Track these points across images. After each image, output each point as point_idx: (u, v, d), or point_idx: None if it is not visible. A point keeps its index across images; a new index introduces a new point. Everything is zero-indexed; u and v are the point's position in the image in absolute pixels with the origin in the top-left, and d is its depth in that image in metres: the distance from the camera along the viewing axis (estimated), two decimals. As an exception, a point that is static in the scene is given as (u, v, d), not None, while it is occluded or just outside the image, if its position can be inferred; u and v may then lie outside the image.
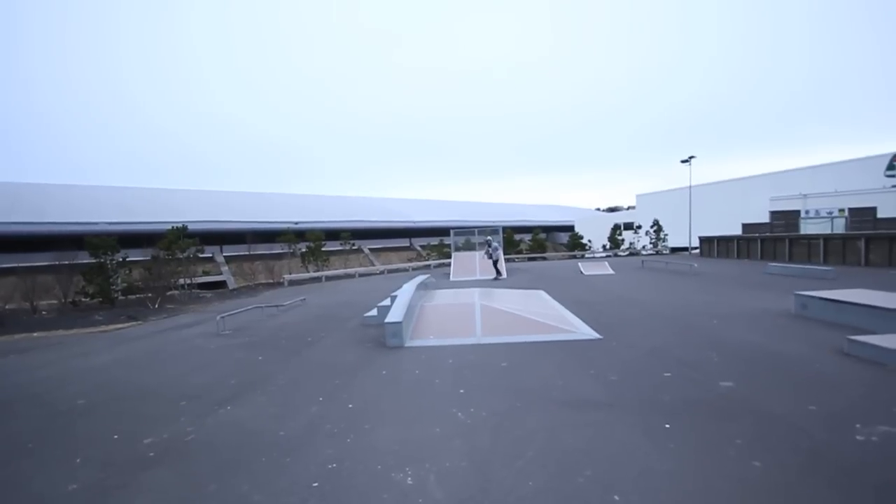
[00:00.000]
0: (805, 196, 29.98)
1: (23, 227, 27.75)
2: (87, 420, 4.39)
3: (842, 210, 24.91)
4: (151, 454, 3.49)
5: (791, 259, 19.41)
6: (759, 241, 22.39)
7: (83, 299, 17.69)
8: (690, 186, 33.56)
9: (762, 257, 21.44)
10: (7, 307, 15.49)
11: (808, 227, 24.07)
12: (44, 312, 16.26)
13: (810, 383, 4.33)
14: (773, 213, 26.40)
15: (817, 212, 26.33)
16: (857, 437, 3.17)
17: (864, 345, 5.07)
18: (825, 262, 17.28)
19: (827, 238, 19.08)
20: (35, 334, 11.38)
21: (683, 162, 32.45)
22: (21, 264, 19.48)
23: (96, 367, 6.72)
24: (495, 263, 16.44)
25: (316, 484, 2.88)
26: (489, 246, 17.32)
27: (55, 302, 17.40)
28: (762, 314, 7.90)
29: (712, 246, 26.10)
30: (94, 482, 3.09)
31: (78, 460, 3.46)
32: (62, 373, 6.50)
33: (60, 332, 11.44)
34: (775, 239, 21.70)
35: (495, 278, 15.62)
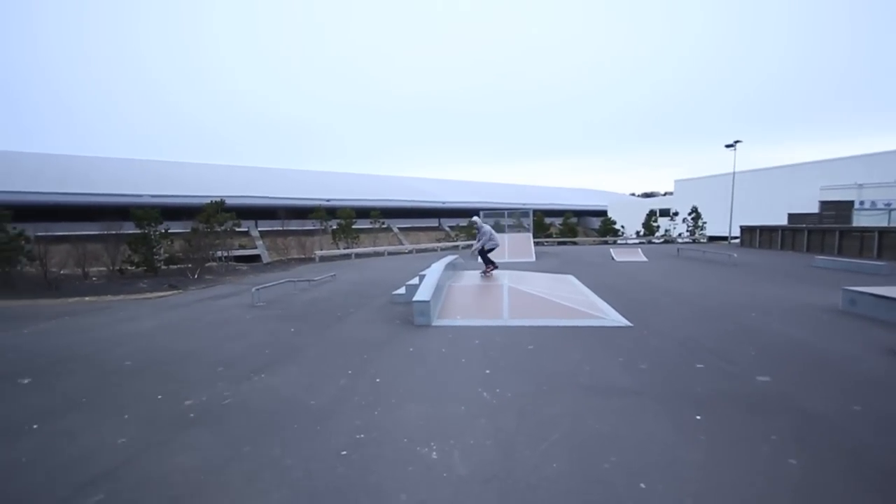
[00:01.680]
0: (860, 186, 28.01)
1: (73, 198, 29.40)
2: (134, 380, 4.67)
3: (901, 201, 23.18)
4: (192, 415, 3.70)
5: (840, 253, 18.30)
6: (805, 233, 21.20)
7: (129, 267, 18.69)
8: (734, 172, 31.92)
9: (808, 250, 20.32)
10: (62, 272, 16.55)
11: (861, 220, 22.54)
12: (94, 279, 17.30)
13: (856, 383, 4.11)
14: (824, 203, 24.87)
15: (873, 203, 24.59)
16: (906, 442, 3.00)
17: (918, 345, 4.76)
18: (879, 258, 16.21)
19: (882, 231, 17.84)
20: (87, 298, 12.14)
21: (728, 146, 30.84)
22: (73, 233, 20.70)
23: (142, 332, 7.13)
24: (482, 254, 9.89)
25: (344, 452, 2.98)
26: (478, 229, 10.24)
27: (104, 269, 18.46)
28: (806, 309, 7.52)
29: (754, 236, 24.89)
30: (140, 437, 3.30)
31: (126, 416, 3.70)
32: (111, 335, 6.92)
33: (109, 298, 12.17)
34: (824, 231, 20.47)
35: (483, 272, 9.80)
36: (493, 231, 10.05)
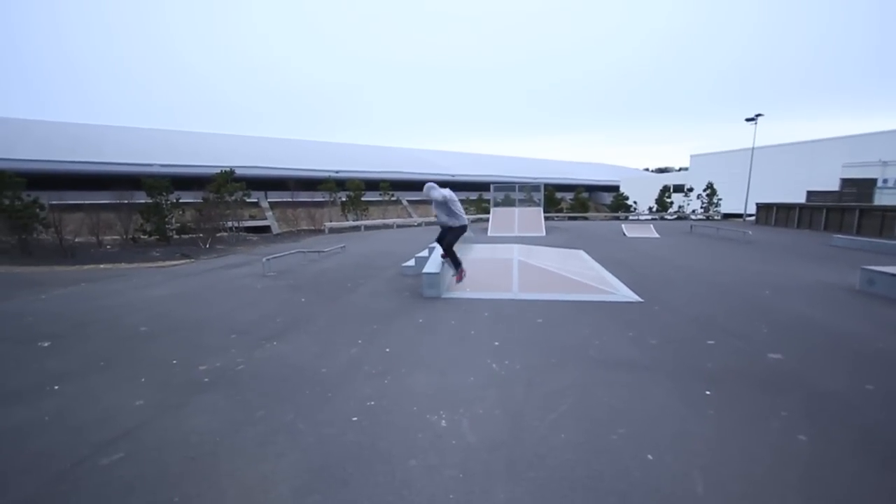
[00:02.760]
0: (885, 163, 27.08)
1: (84, 167, 29.58)
2: (149, 346, 4.77)
3: (926, 180, 22.44)
4: (206, 380, 3.78)
5: (860, 232, 17.89)
6: (824, 211, 20.70)
7: (142, 236, 18.97)
8: (753, 147, 31.02)
9: (826, 229, 19.88)
10: (76, 240, 16.83)
11: (884, 198, 21.93)
12: (108, 246, 17.59)
13: (870, 362, 4.06)
14: (844, 181, 24.20)
15: (897, 181, 23.84)
16: (919, 421, 2.97)
17: (937, 326, 4.67)
18: (899, 237, 15.81)
19: (905, 210, 17.36)
20: (101, 266, 12.37)
21: (749, 120, 29.87)
22: (86, 201, 20.93)
23: (156, 299, 7.26)
24: (446, 250, 6.84)
25: (355, 418, 3.03)
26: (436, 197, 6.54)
27: (117, 237, 18.75)
28: (822, 288, 7.40)
29: (770, 213, 24.39)
30: (156, 400, 3.39)
31: (143, 380, 3.79)
32: (126, 302, 7.06)
33: (123, 265, 12.38)
34: (843, 209, 19.97)
35: (454, 276, 7.06)
36: (453, 198, 6.44)
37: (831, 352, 4.34)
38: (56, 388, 3.65)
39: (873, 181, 23.90)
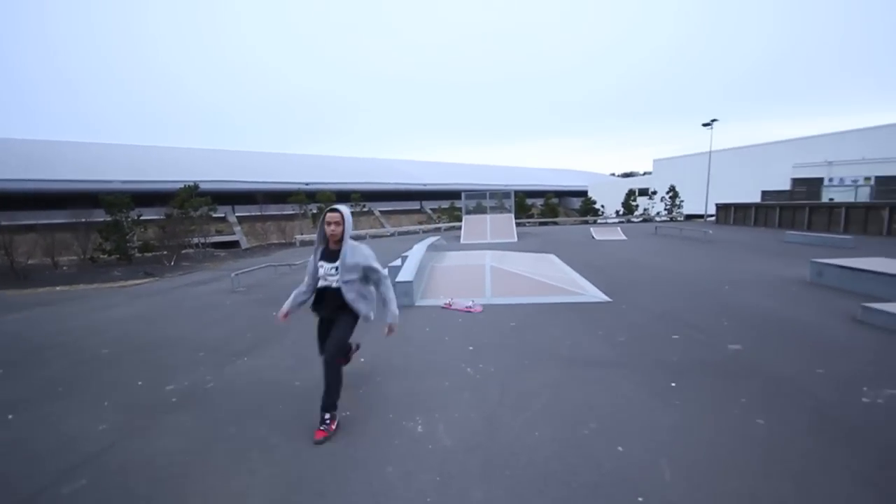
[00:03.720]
0: (830, 163, 28.92)
1: (37, 185, 28.12)
2: (112, 368, 4.58)
3: (867, 178, 24.07)
4: (174, 399, 3.66)
5: (810, 228, 18.99)
6: (777, 210, 21.87)
7: (101, 256, 18.15)
8: (710, 151, 32.53)
9: (780, 226, 21.00)
10: (30, 262, 15.95)
11: (830, 196, 23.37)
12: (64, 268, 16.74)
13: (820, 348, 4.33)
14: (795, 181, 25.67)
15: (841, 180, 25.47)
16: (864, 399, 3.19)
17: (878, 312, 5.02)
18: (846, 232, 16.89)
19: (849, 206, 18.56)
20: (58, 288, 11.77)
21: (705, 125, 31.34)
22: (40, 221, 19.89)
23: (118, 320, 6.96)
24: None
25: (330, 429, 3.00)
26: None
27: (75, 258, 17.88)
28: (776, 281, 7.82)
29: (729, 213, 25.57)
30: (121, 423, 3.26)
31: (105, 403, 3.64)
32: (86, 324, 6.75)
33: (81, 287, 11.81)
34: (795, 207, 21.16)
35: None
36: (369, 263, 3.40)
37: (785, 340, 4.59)
38: (10, 417, 3.46)
39: (820, 180, 25.46)
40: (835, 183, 25.30)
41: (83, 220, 18.50)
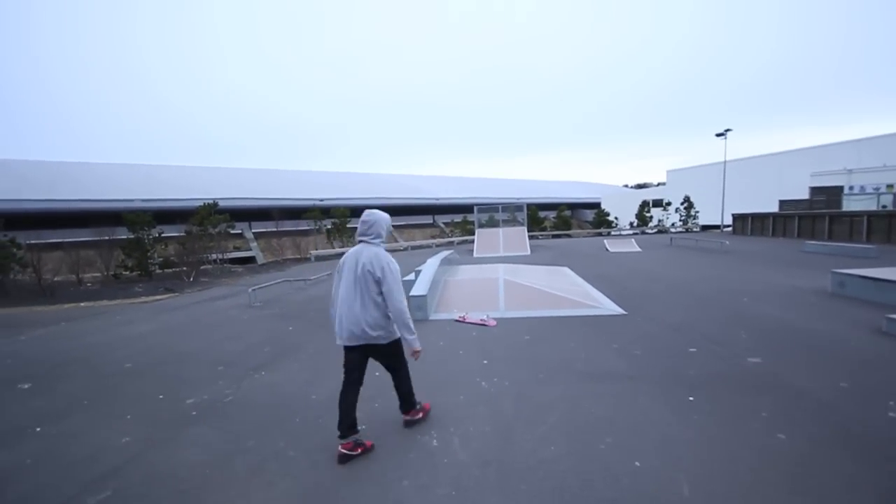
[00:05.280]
0: (850, 171, 28.31)
1: (64, 204, 29.15)
2: (134, 382, 4.70)
3: (890, 186, 23.50)
4: (194, 413, 3.74)
5: (831, 237, 18.56)
6: (796, 219, 21.44)
7: (123, 272, 18.62)
8: (725, 161, 32.17)
9: (799, 235, 20.56)
10: (56, 279, 16.45)
11: (851, 204, 22.86)
12: (88, 284, 17.21)
13: (843, 361, 4.22)
14: (814, 189, 25.20)
15: (862, 188, 24.91)
16: (890, 414, 3.10)
17: (904, 323, 4.88)
18: (868, 241, 16.45)
19: (871, 215, 18.11)
20: (82, 304, 12.10)
21: (719, 135, 31.08)
22: (66, 239, 20.56)
23: (139, 335, 7.13)
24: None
25: (346, 442, 3.03)
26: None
27: (98, 274, 18.38)
28: (796, 292, 7.66)
29: (746, 223, 25.14)
30: (144, 436, 3.35)
31: (129, 417, 3.73)
32: (109, 339, 6.93)
33: (104, 303, 12.13)
34: (814, 216, 20.72)
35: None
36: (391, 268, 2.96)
37: (807, 353, 4.49)
38: (38, 429, 3.57)
39: (840, 188, 24.92)
40: (855, 191, 24.75)
41: (106, 237, 19.06)
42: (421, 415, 3.32)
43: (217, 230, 22.32)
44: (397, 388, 3.19)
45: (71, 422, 3.70)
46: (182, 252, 19.60)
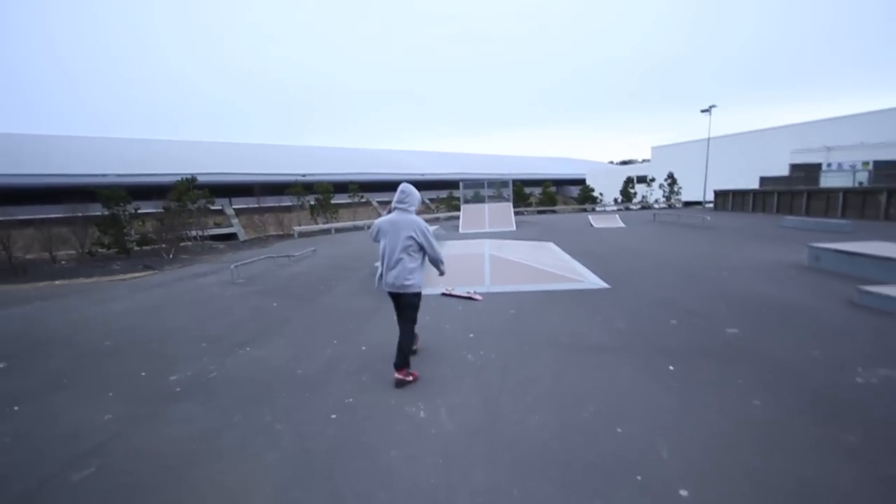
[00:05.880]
0: (829, 149, 28.85)
1: (31, 179, 27.95)
2: (115, 360, 4.61)
3: (866, 163, 24.06)
4: (178, 389, 3.70)
5: (808, 213, 19.03)
6: (775, 195, 21.87)
7: (100, 250, 18.09)
8: (709, 138, 32.40)
9: (778, 211, 21.03)
10: (27, 257, 15.92)
11: (828, 181, 23.39)
12: (63, 262, 16.71)
13: (816, 331, 4.38)
14: (794, 167, 25.67)
15: (840, 165, 25.47)
16: (857, 380, 3.24)
17: (874, 295, 5.07)
18: (843, 217, 16.92)
19: (847, 191, 18.57)
20: (57, 282, 11.75)
21: (703, 111, 31.17)
22: (37, 216, 19.81)
23: (118, 312, 6.98)
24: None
25: (334, 416, 3.05)
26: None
27: (73, 252, 17.83)
28: (774, 266, 7.86)
29: (727, 200, 25.57)
30: (126, 413, 3.30)
31: (110, 394, 3.67)
32: (87, 317, 6.77)
33: (81, 281, 11.80)
34: (793, 192, 21.16)
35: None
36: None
37: (782, 324, 4.64)
38: (15, 408, 3.49)
39: (819, 166, 25.45)
40: (833, 168, 25.31)
41: (80, 214, 18.40)
42: (411, 378, 3.60)
43: (196, 206, 21.75)
44: (401, 340, 3.62)
45: (50, 400, 3.63)
46: (160, 229, 19.09)
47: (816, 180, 23.76)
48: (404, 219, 3.59)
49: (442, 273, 3.96)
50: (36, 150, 32.69)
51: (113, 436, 2.96)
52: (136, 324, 6.14)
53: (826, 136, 30.45)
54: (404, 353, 3.58)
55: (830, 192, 19.17)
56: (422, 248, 3.60)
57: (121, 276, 12.17)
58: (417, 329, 3.85)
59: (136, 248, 18.88)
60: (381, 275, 3.70)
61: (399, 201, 3.66)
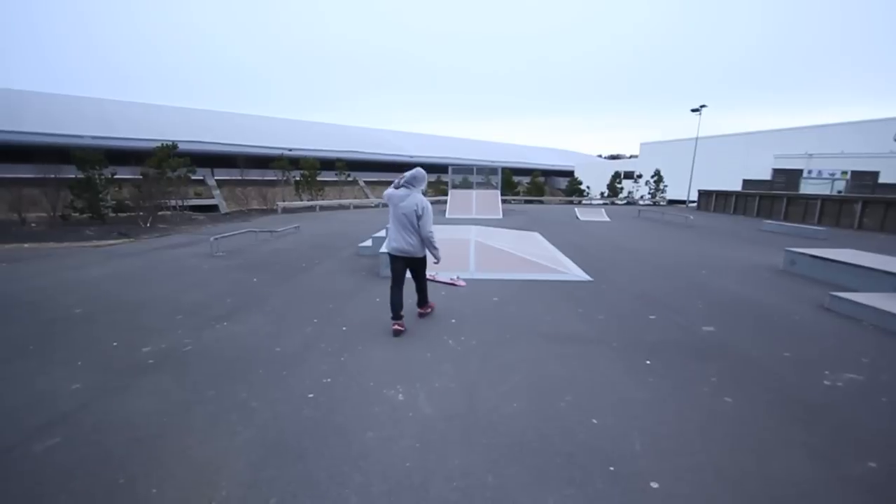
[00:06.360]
0: (810, 156, 29.50)
1: (1, 136, 26.62)
2: (85, 328, 4.47)
3: (844, 172, 24.68)
4: (151, 361, 3.61)
5: (787, 218, 19.50)
6: (756, 198, 22.34)
7: (72, 214, 17.44)
8: (697, 137, 32.76)
9: (759, 214, 21.50)
10: (-5, 217, 15.27)
11: (808, 188, 23.95)
12: (33, 225, 16.08)
13: (788, 333, 4.50)
14: (776, 171, 26.16)
15: (819, 172, 26.07)
16: (825, 382, 3.35)
17: (844, 301, 5.23)
18: (820, 223, 17.41)
19: (824, 199, 19.07)
20: (25, 245, 11.31)
21: (694, 111, 31.41)
22: (6, 175, 18.94)
23: (91, 279, 6.77)
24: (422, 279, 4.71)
25: (311, 395, 3.02)
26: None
27: (44, 215, 17.15)
28: (751, 268, 8.05)
29: (710, 200, 26.03)
30: (95, 383, 3.21)
31: (79, 363, 3.56)
32: (56, 283, 6.54)
33: (51, 245, 11.38)
34: (773, 197, 21.64)
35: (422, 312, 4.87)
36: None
37: (756, 324, 4.76)
38: (-23, 373, 3.36)
39: (800, 172, 26.00)
40: (813, 175, 25.90)
41: (52, 175, 17.63)
42: (430, 309, 4.87)
43: (176, 174, 21.09)
44: (418, 288, 4.68)
45: (13, 367, 3.50)
46: (138, 196, 18.48)
47: (797, 186, 24.30)
48: (410, 195, 4.20)
49: (437, 259, 4.45)
50: (6, 105, 31.09)
51: (80, 406, 2.88)
52: (109, 292, 5.96)
53: (810, 144, 31.10)
54: (422, 296, 4.73)
55: (809, 199, 19.66)
56: (419, 221, 4.18)
57: (94, 243, 11.78)
58: (390, 310, 4.35)
59: (112, 215, 18.26)
60: (390, 240, 4.41)
61: (409, 181, 4.25)
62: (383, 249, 4.30)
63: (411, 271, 4.49)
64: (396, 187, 4.27)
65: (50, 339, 4.14)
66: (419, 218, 4.17)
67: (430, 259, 4.51)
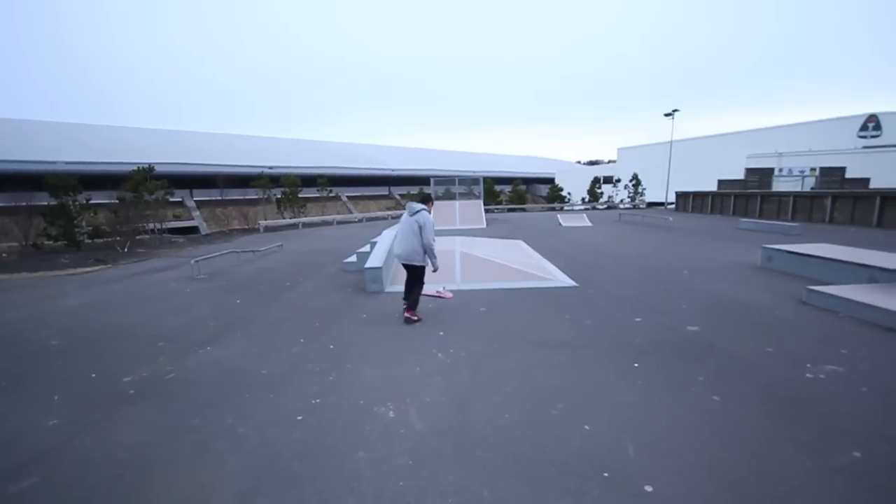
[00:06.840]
0: (780, 154, 30.52)
1: (-30, 165, 25.84)
2: (62, 360, 4.33)
3: (813, 169, 25.54)
4: (132, 391, 3.50)
5: (761, 215, 20.03)
6: (732, 198, 22.93)
7: (46, 242, 16.94)
8: (672, 141, 33.60)
9: (734, 213, 22.05)
10: (-37, 249, 14.74)
11: (780, 185, 24.69)
12: (4, 255, 15.57)
13: (769, 329, 4.60)
14: (749, 171, 26.92)
15: (790, 170, 26.94)
16: (807, 375, 3.43)
17: (820, 294, 5.38)
18: (793, 219, 17.93)
19: (796, 196, 19.68)
20: (-3, 276, 10.93)
21: (667, 115, 32.28)
22: (-27, 204, 18.34)
23: (67, 309, 6.56)
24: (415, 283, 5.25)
25: (300, 417, 2.96)
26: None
27: (15, 244, 16.63)
28: (730, 266, 8.23)
29: (688, 201, 26.61)
30: (74, 417, 3.09)
31: (56, 397, 3.44)
32: (31, 314, 6.33)
33: (24, 275, 11.02)
34: (748, 196, 22.24)
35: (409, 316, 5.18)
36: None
37: (739, 321, 4.86)
38: (-53, 414, 3.21)
39: (771, 170, 26.83)
40: (784, 173, 26.75)
41: (24, 203, 17.15)
42: (417, 318, 5.14)
43: (154, 197, 20.74)
44: (407, 291, 5.23)
45: (-13, 405, 3.35)
46: (115, 220, 18.09)
47: (769, 184, 25.04)
48: (419, 213, 5.10)
49: (435, 268, 5.11)
50: (-26, 133, 30.22)
51: (59, 443, 2.77)
52: (87, 321, 5.79)
53: (780, 143, 32.23)
54: (414, 301, 5.17)
55: (782, 196, 20.27)
56: (421, 231, 4.95)
57: (70, 271, 11.46)
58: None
59: (88, 241, 17.82)
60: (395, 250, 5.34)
61: (409, 212, 5.18)
62: (397, 259, 5.48)
63: (410, 277, 5.21)
64: (411, 214, 5.15)
65: (25, 373, 3.99)
66: (421, 228, 4.97)
67: (428, 269, 5.14)
